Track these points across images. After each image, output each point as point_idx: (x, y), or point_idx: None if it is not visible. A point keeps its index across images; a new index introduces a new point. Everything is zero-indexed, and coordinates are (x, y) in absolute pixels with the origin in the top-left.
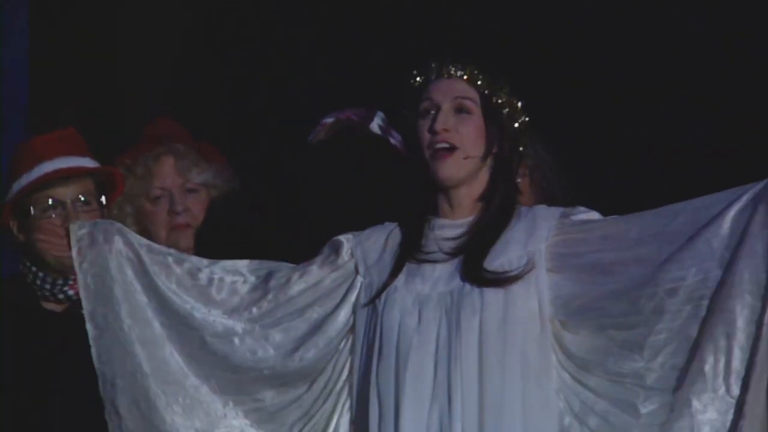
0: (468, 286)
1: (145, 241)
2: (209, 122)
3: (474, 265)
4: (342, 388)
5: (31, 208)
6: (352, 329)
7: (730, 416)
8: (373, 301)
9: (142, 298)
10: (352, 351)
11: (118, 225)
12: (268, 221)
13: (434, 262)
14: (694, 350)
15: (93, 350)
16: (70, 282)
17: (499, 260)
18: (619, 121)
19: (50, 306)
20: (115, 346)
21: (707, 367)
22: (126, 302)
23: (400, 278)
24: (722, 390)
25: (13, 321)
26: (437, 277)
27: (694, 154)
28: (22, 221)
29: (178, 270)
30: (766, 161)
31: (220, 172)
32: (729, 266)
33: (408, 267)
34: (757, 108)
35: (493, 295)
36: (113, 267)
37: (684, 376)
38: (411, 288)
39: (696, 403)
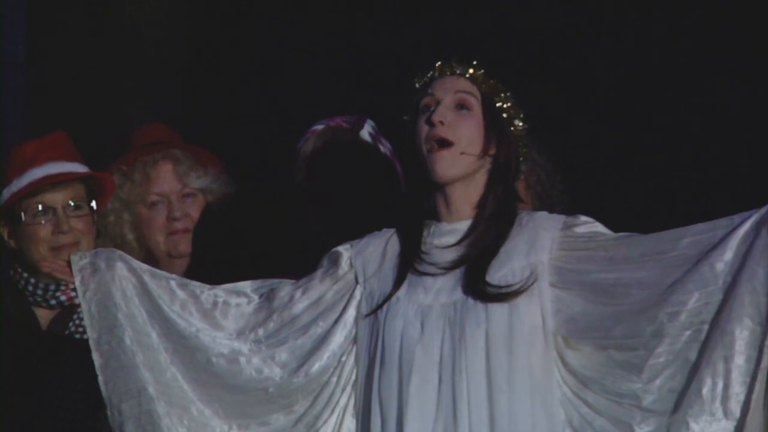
0: (471, 299)
1: (146, 266)
2: (209, 124)
3: (476, 280)
4: (348, 401)
5: (22, 215)
6: (355, 340)
7: None
8: (375, 311)
9: (146, 324)
10: (356, 362)
11: (119, 252)
12: (263, 226)
13: (435, 275)
14: (693, 373)
15: (100, 378)
16: (62, 288)
17: (501, 272)
18: (618, 123)
19: (42, 312)
20: (120, 371)
21: (705, 390)
22: (129, 328)
23: (402, 288)
24: (720, 413)
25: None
26: (439, 288)
27: (694, 156)
28: (13, 227)
29: (181, 294)
30: (765, 163)
31: (217, 176)
32: (730, 290)
33: (409, 277)
34: (757, 109)
35: (497, 307)
36: (116, 294)
37: (682, 399)
38: (413, 298)
39: (694, 426)
